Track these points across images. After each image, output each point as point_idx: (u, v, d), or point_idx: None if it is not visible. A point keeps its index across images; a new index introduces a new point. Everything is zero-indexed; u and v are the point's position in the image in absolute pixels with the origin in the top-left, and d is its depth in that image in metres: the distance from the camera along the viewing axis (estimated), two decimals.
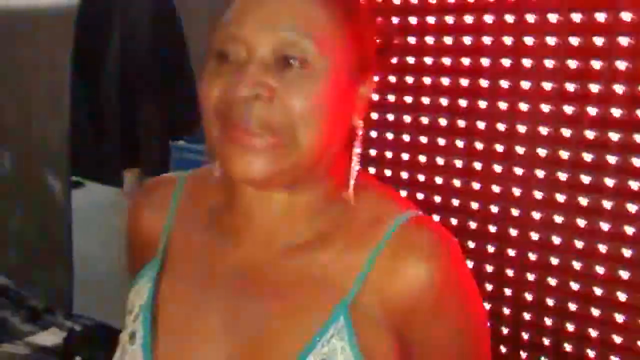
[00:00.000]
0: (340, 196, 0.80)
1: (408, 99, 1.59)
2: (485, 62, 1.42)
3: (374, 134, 1.67)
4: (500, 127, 1.39)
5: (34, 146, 3.47)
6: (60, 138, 3.21)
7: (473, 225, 1.50)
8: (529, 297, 1.41)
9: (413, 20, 1.53)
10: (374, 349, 0.76)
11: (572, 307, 1.35)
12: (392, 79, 1.59)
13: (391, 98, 1.63)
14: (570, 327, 1.35)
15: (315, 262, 0.79)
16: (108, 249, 2.72)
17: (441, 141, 1.51)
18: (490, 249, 1.43)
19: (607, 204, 1.30)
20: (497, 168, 1.39)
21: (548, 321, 1.40)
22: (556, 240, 1.38)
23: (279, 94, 0.72)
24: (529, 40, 1.38)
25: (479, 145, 1.42)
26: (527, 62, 1.38)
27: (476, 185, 1.47)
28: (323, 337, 0.75)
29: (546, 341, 1.36)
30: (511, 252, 1.43)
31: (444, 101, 1.51)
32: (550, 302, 1.39)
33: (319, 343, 0.75)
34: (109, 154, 4.02)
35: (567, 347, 1.35)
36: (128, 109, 3.88)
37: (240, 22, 0.73)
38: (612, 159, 1.27)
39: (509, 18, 1.37)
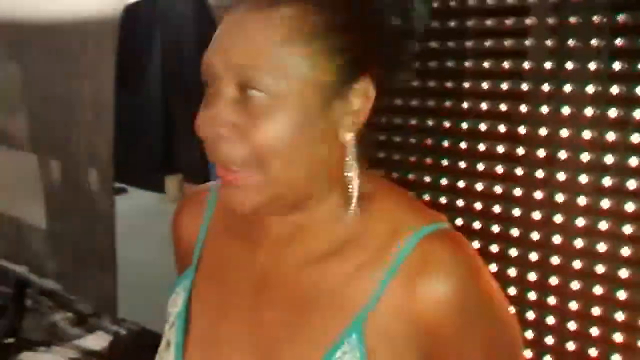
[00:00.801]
0: (358, 206, 0.78)
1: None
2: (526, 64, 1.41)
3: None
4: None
5: (80, 154, 3.56)
6: (105, 146, 3.29)
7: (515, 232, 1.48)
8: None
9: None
10: None
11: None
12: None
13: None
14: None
15: (331, 277, 0.77)
16: (151, 254, 2.78)
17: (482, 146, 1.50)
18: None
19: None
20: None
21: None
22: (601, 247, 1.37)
23: (244, 129, 0.72)
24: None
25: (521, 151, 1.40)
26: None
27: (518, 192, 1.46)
28: (335, 354, 0.74)
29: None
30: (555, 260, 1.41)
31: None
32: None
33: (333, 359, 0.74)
34: (151, 161, 4.10)
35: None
36: (169, 116, 3.95)
37: (210, 58, 0.74)
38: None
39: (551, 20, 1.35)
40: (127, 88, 3.23)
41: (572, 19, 1.28)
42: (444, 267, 0.73)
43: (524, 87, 1.36)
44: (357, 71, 0.75)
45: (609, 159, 1.27)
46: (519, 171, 1.39)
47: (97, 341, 3.30)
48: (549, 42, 1.33)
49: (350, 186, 0.76)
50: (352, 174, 0.76)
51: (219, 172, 0.75)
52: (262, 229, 0.82)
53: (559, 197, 1.33)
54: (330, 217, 0.78)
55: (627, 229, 1.27)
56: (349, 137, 0.75)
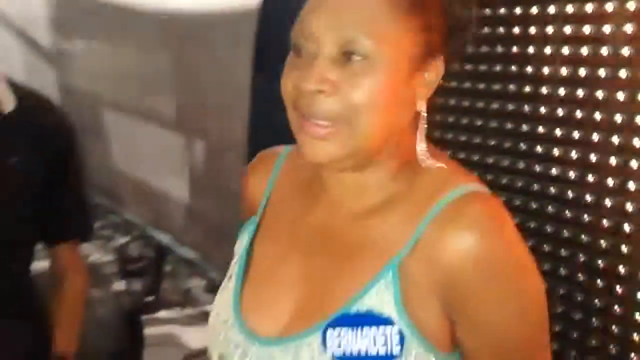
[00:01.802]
0: (406, 172, 0.88)
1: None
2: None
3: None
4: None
5: (221, 136, 3.81)
6: (241, 130, 3.48)
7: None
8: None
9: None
10: (417, 308, 0.82)
11: None
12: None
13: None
14: None
15: (376, 227, 0.87)
16: None
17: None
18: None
19: None
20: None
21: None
22: None
23: (341, 87, 0.80)
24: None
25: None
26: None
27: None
28: (372, 289, 0.83)
29: None
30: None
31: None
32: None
33: (369, 293, 0.83)
34: (286, 143, 4.30)
35: None
36: None
37: (311, 20, 0.82)
38: None
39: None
40: (266, 74, 3.42)
41: None
42: (474, 221, 0.80)
43: (602, 73, 1.36)
44: (436, 49, 0.85)
45: None
46: (593, 158, 1.40)
47: None
48: (628, 28, 1.32)
49: (420, 150, 0.86)
50: (421, 140, 0.86)
51: (306, 127, 0.83)
52: (321, 186, 0.92)
53: (631, 186, 1.33)
54: (386, 178, 0.88)
55: None
56: (422, 106, 0.86)
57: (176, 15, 3.90)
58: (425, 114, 0.87)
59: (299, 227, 0.94)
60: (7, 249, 1.44)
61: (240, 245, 0.99)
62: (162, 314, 3.60)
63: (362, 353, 0.81)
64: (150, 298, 3.69)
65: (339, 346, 0.82)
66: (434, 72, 0.86)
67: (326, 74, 0.81)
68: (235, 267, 0.97)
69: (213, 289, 3.91)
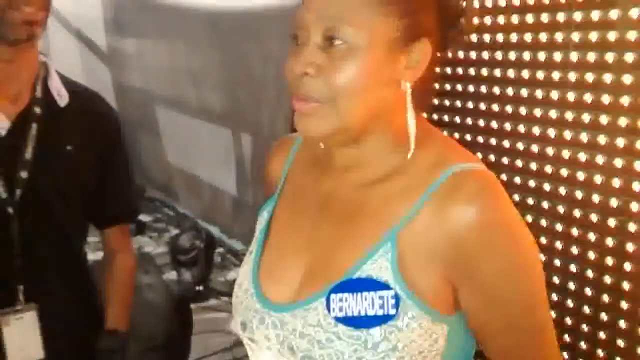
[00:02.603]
0: (403, 145, 0.94)
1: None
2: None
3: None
4: None
5: (265, 130, 3.90)
6: (284, 122, 3.55)
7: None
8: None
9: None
10: (414, 274, 0.88)
11: None
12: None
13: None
14: None
15: (377, 197, 0.94)
16: None
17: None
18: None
19: None
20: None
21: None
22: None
23: (325, 70, 0.88)
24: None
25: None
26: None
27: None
28: (372, 257, 0.90)
29: None
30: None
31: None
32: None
33: (368, 261, 0.90)
34: None
35: None
36: None
37: (303, 12, 0.91)
38: None
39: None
40: None
41: None
42: (472, 194, 0.87)
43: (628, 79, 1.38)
44: (419, 33, 0.91)
45: None
46: (619, 163, 1.42)
47: None
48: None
49: (409, 127, 0.93)
50: (409, 116, 0.93)
51: (296, 105, 0.91)
52: (328, 162, 1.00)
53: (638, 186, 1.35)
54: (383, 151, 0.95)
55: None
56: (406, 86, 0.92)
57: (225, 12, 3.99)
58: (410, 92, 0.92)
59: (311, 199, 1.02)
60: (61, 231, 1.54)
61: (260, 222, 1.07)
62: (211, 302, 3.68)
63: (362, 314, 0.88)
64: (199, 287, 3.78)
65: (341, 310, 0.89)
66: (419, 54, 0.91)
67: (312, 58, 0.89)
68: (255, 244, 1.05)
69: None
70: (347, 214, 0.96)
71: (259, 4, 3.66)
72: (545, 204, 1.60)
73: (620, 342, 1.42)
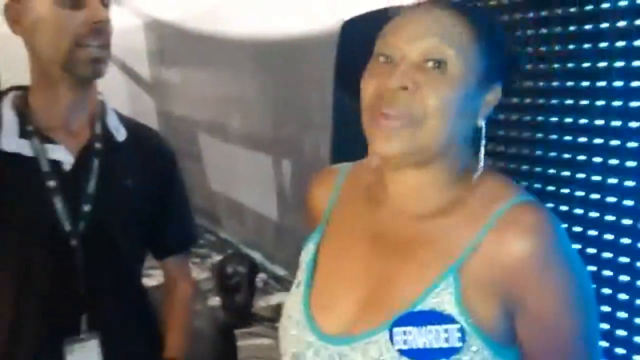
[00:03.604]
0: (464, 178, 0.96)
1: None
2: None
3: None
4: None
5: (307, 155, 3.93)
6: (326, 148, 3.57)
7: None
8: None
9: None
10: (476, 307, 0.89)
11: None
12: None
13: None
14: None
15: (436, 230, 0.95)
16: None
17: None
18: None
19: None
20: None
21: None
22: None
23: (421, 88, 0.90)
24: None
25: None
26: None
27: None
28: (434, 290, 0.90)
29: None
30: None
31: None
32: None
33: (431, 293, 0.90)
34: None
35: None
36: None
37: (397, 33, 0.93)
38: None
39: None
40: (347, 92, 3.50)
41: None
42: (530, 227, 0.89)
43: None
44: (496, 74, 0.95)
45: None
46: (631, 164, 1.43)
47: None
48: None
49: (480, 160, 0.95)
50: (481, 152, 0.95)
51: (375, 119, 0.92)
52: (383, 190, 1.01)
53: None
54: (440, 183, 0.96)
55: None
56: (482, 122, 0.95)
57: (266, 40, 4.06)
58: (484, 128, 0.96)
59: (362, 230, 1.02)
60: (122, 261, 1.57)
61: (307, 253, 1.07)
62: (254, 328, 3.70)
63: (427, 346, 0.89)
64: (243, 313, 3.79)
65: (405, 343, 0.89)
66: (494, 95, 0.95)
67: (410, 74, 0.91)
68: (303, 275, 1.05)
69: None
70: (405, 246, 0.96)
71: (299, 30, 3.72)
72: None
73: None
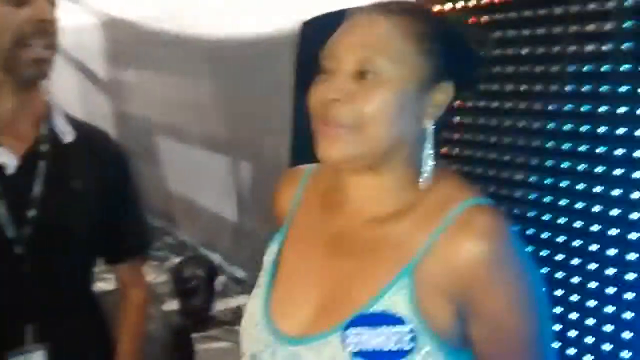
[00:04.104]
0: (417, 182, 0.97)
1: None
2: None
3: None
4: None
5: (265, 157, 3.91)
6: (285, 150, 3.55)
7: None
8: None
9: None
10: (430, 309, 0.90)
11: None
12: None
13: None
14: None
15: (391, 233, 0.96)
16: None
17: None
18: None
19: None
20: None
21: None
22: None
23: (355, 98, 0.91)
24: None
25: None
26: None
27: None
28: (388, 292, 0.91)
29: None
30: None
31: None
32: None
33: (385, 295, 0.91)
34: None
35: None
36: None
37: (335, 44, 0.95)
38: None
39: None
40: (306, 94, 3.47)
41: None
42: (483, 231, 0.89)
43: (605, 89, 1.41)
44: (444, 74, 0.95)
45: None
46: (600, 169, 1.45)
47: None
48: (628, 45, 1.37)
49: (426, 163, 0.96)
50: (428, 154, 0.95)
51: (322, 129, 0.94)
52: (342, 193, 1.02)
53: (636, 195, 1.37)
54: (397, 185, 0.97)
55: None
56: (429, 124, 0.95)
57: (225, 43, 4.03)
58: (432, 131, 0.96)
59: (322, 232, 1.03)
60: (71, 269, 1.52)
61: (270, 254, 1.08)
62: (213, 331, 3.66)
63: (378, 349, 0.89)
64: (201, 316, 3.75)
65: (357, 345, 0.90)
66: (443, 95, 0.95)
67: (343, 86, 0.92)
68: (264, 276, 1.06)
69: None
70: (362, 248, 0.97)
71: (258, 32, 3.70)
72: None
73: None
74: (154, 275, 4.28)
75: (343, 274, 0.97)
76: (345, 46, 0.93)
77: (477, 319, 0.91)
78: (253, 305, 1.04)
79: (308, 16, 3.01)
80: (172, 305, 3.76)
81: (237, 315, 3.85)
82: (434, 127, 0.96)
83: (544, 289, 0.96)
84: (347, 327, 0.91)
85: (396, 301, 0.91)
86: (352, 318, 0.92)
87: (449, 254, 0.90)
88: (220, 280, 4.08)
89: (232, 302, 3.96)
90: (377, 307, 0.91)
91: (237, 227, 4.30)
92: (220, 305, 3.91)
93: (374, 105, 0.91)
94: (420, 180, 0.96)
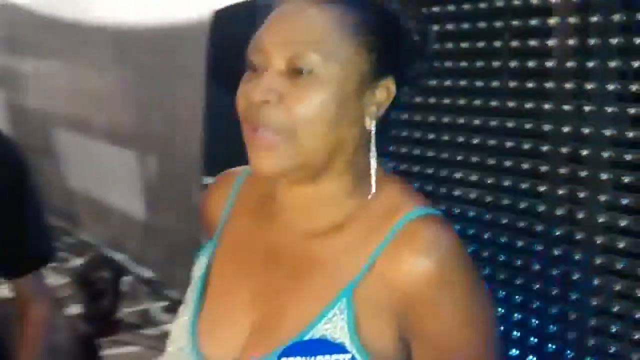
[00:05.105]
0: (359, 190, 0.88)
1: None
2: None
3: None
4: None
5: (175, 151, 3.77)
6: (196, 143, 3.45)
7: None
8: None
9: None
10: (371, 333, 0.83)
11: None
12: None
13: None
14: None
15: (330, 248, 0.87)
16: None
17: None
18: None
19: None
20: None
21: None
22: None
23: (286, 99, 0.82)
24: None
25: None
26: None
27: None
28: (326, 316, 0.83)
29: None
30: None
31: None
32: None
33: (323, 320, 0.83)
34: (244, 158, 4.28)
35: None
36: None
37: (263, 37, 0.85)
38: None
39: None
40: (219, 86, 3.37)
41: (594, 19, 1.30)
42: (428, 245, 0.82)
43: (549, 85, 1.40)
44: (384, 69, 0.86)
45: (629, 156, 1.27)
46: (544, 168, 1.43)
47: None
48: (572, 42, 1.35)
49: (371, 169, 0.87)
50: (372, 155, 0.87)
51: (251, 136, 0.84)
52: (276, 205, 0.92)
53: (582, 194, 1.36)
54: (338, 194, 0.88)
55: None
56: (372, 125, 0.86)
57: (132, 29, 3.86)
58: (375, 131, 0.87)
59: (256, 245, 0.93)
60: None
61: (198, 269, 0.97)
62: (121, 336, 3.55)
63: None
64: (108, 320, 3.63)
65: None
66: (385, 92, 0.87)
67: (273, 85, 0.82)
68: (192, 293, 0.95)
69: (173, 309, 3.87)
70: (298, 266, 0.88)
71: (168, 19, 3.56)
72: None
73: None
74: (54, 277, 4.08)
75: (278, 294, 0.88)
76: (275, 40, 0.84)
77: (422, 343, 0.84)
78: (178, 327, 0.93)
79: (221, 3, 2.91)
80: (76, 309, 3.62)
81: (145, 318, 3.74)
82: (376, 127, 0.87)
83: (492, 307, 0.89)
84: (280, 356, 0.83)
85: (335, 326, 0.83)
86: (287, 345, 0.83)
87: (391, 272, 0.83)
88: (127, 281, 3.95)
89: (140, 304, 3.85)
90: (314, 333, 0.83)
91: (145, 226, 4.15)
92: (128, 308, 3.79)
93: (309, 106, 0.82)
94: (367, 187, 0.88)
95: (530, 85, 1.43)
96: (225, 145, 3.98)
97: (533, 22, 1.42)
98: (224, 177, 1.03)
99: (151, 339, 3.43)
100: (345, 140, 0.85)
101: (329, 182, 0.87)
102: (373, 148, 0.87)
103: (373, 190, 0.87)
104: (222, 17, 3.12)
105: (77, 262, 4.15)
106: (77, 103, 4.60)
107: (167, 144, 3.81)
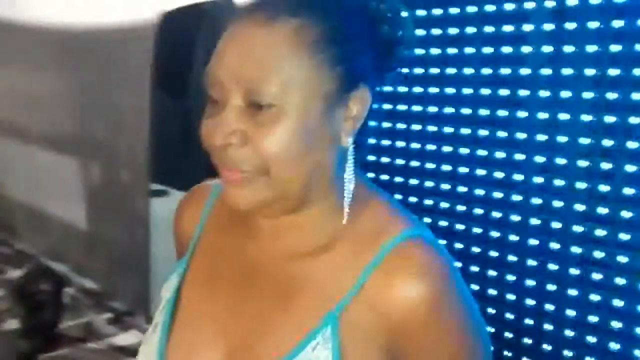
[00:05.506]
0: (342, 210, 0.82)
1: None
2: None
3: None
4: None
5: (119, 158, 3.68)
6: (142, 150, 3.37)
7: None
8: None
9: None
10: None
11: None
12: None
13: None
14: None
15: (313, 272, 0.81)
16: None
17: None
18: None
19: None
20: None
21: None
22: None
23: (252, 137, 0.76)
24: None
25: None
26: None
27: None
28: (309, 344, 0.77)
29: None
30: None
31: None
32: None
33: (307, 348, 0.77)
34: (193, 164, 4.21)
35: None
36: None
37: (217, 69, 0.77)
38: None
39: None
40: (170, 93, 3.30)
41: (569, 25, 1.29)
42: (418, 269, 0.77)
43: (523, 92, 1.38)
44: (355, 79, 0.79)
45: (605, 165, 1.27)
46: (518, 177, 1.41)
47: (130, 339, 3.41)
48: (546, 48, 1.34)
49: (345, 189, 0.81)
50: (348, 177, 0.81)
51: (224, 173, 0.78)
52: (255, 224, 0.85)
53: (557, 204, 1.35)
54: (321, 217, 0.82)
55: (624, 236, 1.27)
56: (349, 141, 0.80)
57: (74, 32, 3.76)
58: (352, 148, 0.81)
59: (232, 265, 0.87)
60: None
61: (168, 289, 0.90)
62: (63, 350, 3.41)
63: None
64: (48, 335, 3.49)
65: None
66: (359, 103, 0.80)
67: (234, 124, 0.76)
68: (161, 315, 0.88)
69: (117, 321, 3.76)
70: (280, 288, 0.82)
71: (111, 21, 3.45)
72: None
73: None
74: None
75: (257, 320, 0.82)
76: (228, 73, 0.76)
77: None
78: (145, 352, 0.87)
79: (168, 6, 2.83)
80: (13, 324, 3.47)
81: (88, 331, 3.62)
82: (353, 143, 0.81)
83: (487, 330, 0.85)
84: None
85: (319, 355, 0.77)
86: None
87: (382, 297, 0.77)
88: (68, 292, 3.81)
89: (83, 316, 3.72)
90: None
91: (87, 234, 4.04)
92: (70, 321, 3.66)
93: (276, 142, 0.75)
94: (343, 210, 0.82)
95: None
96: (172, 151, 3.90)
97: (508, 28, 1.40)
98: (197, 190, 0.96)
99: (96, 353, 3.31)
100: (321, 164, 0.79)
101: (310, 208, 0.82)
102: (350, 165, 0.81)
103: (346, 210, 0.81)
104: (168, 20, 3.04)
105: (15, 273, 3.99)
106: (15, 107, 4.49)
107: (111, 150, 3.74)
